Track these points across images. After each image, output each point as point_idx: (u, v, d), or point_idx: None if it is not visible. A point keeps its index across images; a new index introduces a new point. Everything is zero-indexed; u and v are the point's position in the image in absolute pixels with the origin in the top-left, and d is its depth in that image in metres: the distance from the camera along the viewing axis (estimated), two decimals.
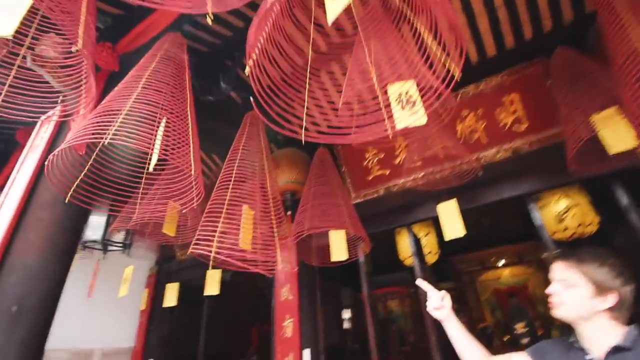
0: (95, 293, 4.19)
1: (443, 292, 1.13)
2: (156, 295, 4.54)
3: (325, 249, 2.48)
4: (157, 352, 4.25)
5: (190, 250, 1.79)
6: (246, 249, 2.00)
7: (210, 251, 1.82)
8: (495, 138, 2.70)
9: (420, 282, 1.24)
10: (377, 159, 3.18)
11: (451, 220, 2.35)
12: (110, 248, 3.19)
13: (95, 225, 3.05)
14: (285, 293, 3.15)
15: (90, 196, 1.50)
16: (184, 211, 2.41)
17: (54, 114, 1.49)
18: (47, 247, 1.55)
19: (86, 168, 1.57)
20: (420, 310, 2.84)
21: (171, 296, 3.78)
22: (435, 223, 3.07)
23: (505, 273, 6.50)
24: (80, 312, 4.05)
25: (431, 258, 3.27)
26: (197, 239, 1.83)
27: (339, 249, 2.32)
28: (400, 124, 1.00)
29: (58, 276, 1.58)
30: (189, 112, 1.62)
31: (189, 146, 1.50)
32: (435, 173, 2.78)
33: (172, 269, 4.71)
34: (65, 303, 3.80)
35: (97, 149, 1.63)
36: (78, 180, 1.47)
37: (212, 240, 1.85)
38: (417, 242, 3.07)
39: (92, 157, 1.60)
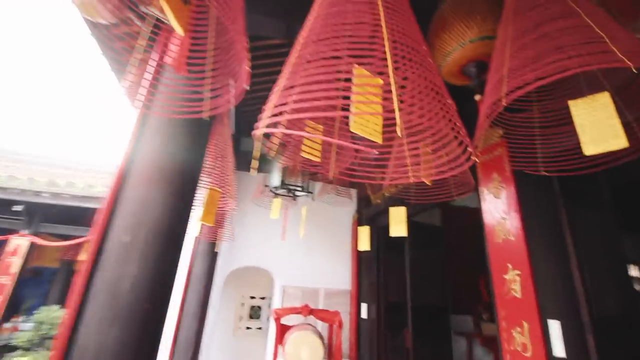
0: (313, 240, 4.61)
1: None
2: None
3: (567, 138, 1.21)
4: (370, 296, 4.13)
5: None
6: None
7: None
8: None
9: None
10: None
11: None
12: (296, 193, 3.15)
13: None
14: (501, 230, 2.01)
15: None
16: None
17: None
18: (158, 178, 1.35)
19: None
20: None
21: (363, 240, 3.47)
22: None
23: None
24: (304, 257, 4.51)
25: None
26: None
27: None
28: None
29: (172, 209, 1.35)
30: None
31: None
32: None
33: (370, 214, 4.46)
34: (287, 249, 4.66)
35: None
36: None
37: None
38: None
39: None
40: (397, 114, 0.60)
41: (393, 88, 0.65)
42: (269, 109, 0.75)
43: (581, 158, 1.47)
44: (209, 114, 1.22)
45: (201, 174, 2.56)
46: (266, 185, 3.15)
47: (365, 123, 1.00)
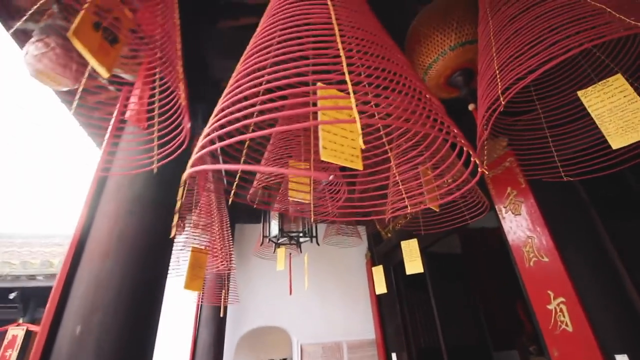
0: (326, 288, 4.27)
1: None
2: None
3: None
4: (398, 344, 3.68)
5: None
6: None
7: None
8: None
9: None
10: None
11: None
12: (299, 239, 2.92)
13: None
14: (531, 251, 1.73)
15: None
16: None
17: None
18: (116, 249, 1.16)
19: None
20: None
21: (379, 281, 3.14)
22: None
23: None
24: (319, 309, 4.15)
25: None
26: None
27: None
28: None
29: (136, 283, 1.14)
30: None
31: None
32: None
33: (383, 250, 4.16)
34: (300, 302, 4.30)
35: None
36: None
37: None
38: None
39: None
40: (357, 118, 0.42)
41: (350, 87, 0.47)
42: (201, 139, 0.57)
43: (605, 155, 1.26)
44: (157, 165, 1.05)
45: (181, 234, 2.37)
46: (265, 236, 2.93)
47: (340, 148, 0.81)
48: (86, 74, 1.48)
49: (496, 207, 2.00)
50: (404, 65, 0.71)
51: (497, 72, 1.05)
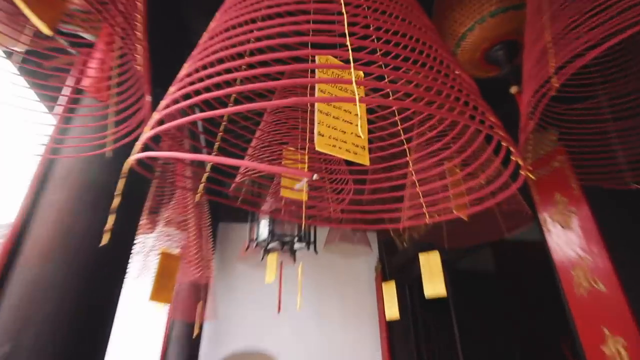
0: (325, 306, 4.26)
1: None
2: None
3: None
4: None
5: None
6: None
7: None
8: None
9: None
10: None
11: None
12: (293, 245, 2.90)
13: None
14: (582, 276, 1.68)
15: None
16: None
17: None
18: (58, 250, 1.14)
19: None
20: None
21: (391, 302, 3.11)
22: None
23: None
24: (317, 332, 4.14)
25: None
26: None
27: None
28: None
29: (79, 293, 1.12)
30: None
31: None
32: None
33: (397, 262, 4.14)
34: (293, 322, 4.29)
35: None
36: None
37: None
38: None
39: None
40: (356, 95, 0.37)
41: (350, 54, 0.43)
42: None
43: None
44: (111, 148, 1.02)
45: (151, 233, 2.36)
46: (252, 239, 2.91)
47: (340, 136, 0.77)
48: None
49: (540, 216, 1.95)
50: (428, 31, 0.67)
51: (550, 45, 1.00)
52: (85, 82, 1.43)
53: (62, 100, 1.47)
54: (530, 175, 0.64)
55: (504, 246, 4.30)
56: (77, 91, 1.43)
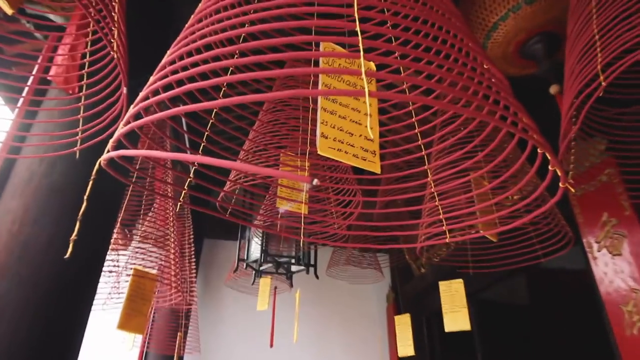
0: (327, 345, 4.24)
1: None
2: None
3: None
4: None
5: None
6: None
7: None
8: None
9: None
10: None
11: None
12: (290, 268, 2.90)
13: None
14: (635, 312, 1.67)
15: None
16: None
17: None
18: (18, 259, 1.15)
19: None
20: None
21: (404, 339, 3.09)
22: None
23: None
24: None
25: None
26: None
27: None
28: None
29: (34, 317, 1.13)
30: None
31: None
32: None
33: (413, 291, 4.14)
34: (292, 358, 4.27)
35: None
36: None
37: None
38: None
39: None
40: (365, 88, 0.37)
41: (360, 40, 0.43)
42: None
43: None
44: (80, 147, 1.03)
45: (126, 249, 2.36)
46: (241, 259, 2.91)
47: (347, 139, 0.77)
48: None
49: (584, 240, 1.95)
50: (452, 18, 0.67)
51: (597, 38, 1.00)
52: (53, 72, 1.45)
53: (25, 92, 1.49)
54: (572, 189, 0.63)
55: (540, 274, 4.27)
56: (43, 81, 1.45)
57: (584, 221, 1.97)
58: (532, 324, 3.94)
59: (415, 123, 0.91)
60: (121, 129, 0.52)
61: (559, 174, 0.56)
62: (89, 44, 1.20)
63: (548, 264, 1.95)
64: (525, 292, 4.35)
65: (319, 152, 0.71)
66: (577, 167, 1.82)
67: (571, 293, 3.84)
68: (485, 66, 0.58)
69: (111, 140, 0.53)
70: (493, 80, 0.57)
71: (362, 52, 0.41)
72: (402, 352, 3.21)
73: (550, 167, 0.57)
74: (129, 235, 2.56)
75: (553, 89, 1.46)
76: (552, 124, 1.30)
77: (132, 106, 0.56)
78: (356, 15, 0.48)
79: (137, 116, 0.56)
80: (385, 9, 0.62)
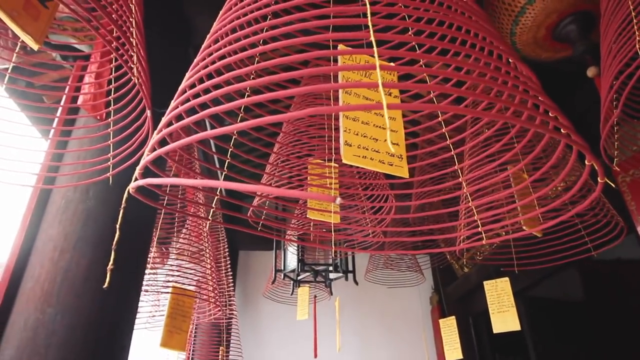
0: (370, 352, 4.22)
1: None
2: None
3: None
4: None
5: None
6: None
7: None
8: None
9: None
10: None
11: None
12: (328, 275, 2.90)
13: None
14: None
15: None
16: None
17: None
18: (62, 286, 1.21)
19: None
20: None
21: (451, 342, 3.04)
22: None
23: None
24: None
25: None
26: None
27: None
28: None
29: (86, 337, 1.18)
30: None
31: None
32: None
33: (457, 292, 4.08)
34: None
35: None
36: None
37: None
38: None
39: None
40: (382, 93, 0.37)
41: (372, 36, 0.42)
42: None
43: None
44: (112, 173, 1.07)
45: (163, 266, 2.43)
46: (278, 270, 2.93)
47: (372, 145, 0.77)
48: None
49: (638, 228, 1.87)
50: (476, 12, 0.66)
51: (634, 14, 0.97)
52: (81, 100, 1.52)
53: (55, 122, 1.56)
54: (611, 183, 0.61)
55: (595, 267, 4.11)
56: (71, 110, 1.52)
57: (636, 208, 1.90)
58: (588, 318, 3.81)
59: (442, 122, 0.90)
60: (146, 157, 0.54)
61: (597, 168, 0.54)
62: (114, 69, 1.25)
63: (602, 256, 1.88)
64: (579, 286, 4.20)
65: (343, 161, 0.72)
66: (622, 152, 1.75)
67: (629, 285, 3.69)
68: (511, 62, 0.57)
69: (138, 168, 0.55)
70: (522, 76, 0.55)
71: (377, 65, 0.41)
72: (449, 356, 3.17)
73: (587, 162, 0.55)
74: (165, 253, 2.63)
75: (590, 72, 1.42)
76: (592, 106, 1.25)
77: (155, 132, 0.58)
78: (370, 23, 0.48)
79: (162, 142, 0.58)
80: (406, 16, 0.62)
